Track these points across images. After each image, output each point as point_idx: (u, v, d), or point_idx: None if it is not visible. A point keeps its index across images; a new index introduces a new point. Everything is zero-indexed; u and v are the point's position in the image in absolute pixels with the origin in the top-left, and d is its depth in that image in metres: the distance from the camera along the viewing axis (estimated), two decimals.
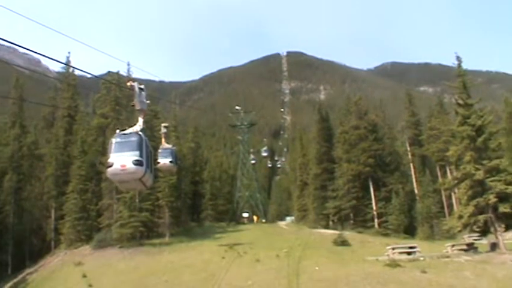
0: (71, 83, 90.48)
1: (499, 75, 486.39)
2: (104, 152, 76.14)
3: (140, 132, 20.25)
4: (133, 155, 19.01)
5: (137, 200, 67.77)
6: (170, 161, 30.96)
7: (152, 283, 44.78)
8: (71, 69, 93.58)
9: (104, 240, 66.18)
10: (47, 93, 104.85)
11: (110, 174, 19.23)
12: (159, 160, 31.76)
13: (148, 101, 22.24)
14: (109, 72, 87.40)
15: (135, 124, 20.96)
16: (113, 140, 19.71)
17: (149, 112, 78.85)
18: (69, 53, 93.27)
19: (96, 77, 26.79)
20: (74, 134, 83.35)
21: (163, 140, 32.60)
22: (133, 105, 21.72)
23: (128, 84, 21.90)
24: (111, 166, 18.80)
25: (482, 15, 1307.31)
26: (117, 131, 20.43)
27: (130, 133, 20.15)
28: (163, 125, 32.86)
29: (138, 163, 18.84)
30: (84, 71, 75.28)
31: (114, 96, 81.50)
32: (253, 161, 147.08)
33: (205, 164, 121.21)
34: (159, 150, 31.65)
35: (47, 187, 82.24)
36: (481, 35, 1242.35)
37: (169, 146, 32.26)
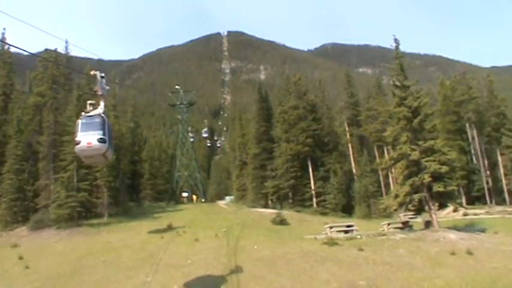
0: (6, 60, 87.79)
1: (436, 58, 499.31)
2: (41, 131, 74.72)
3: (103, 114, 24.69)
4: (98, 134, 23.77)
5: (75, 180, 66.63)
6: (100, 140, 30.47)
7: (90, 264, 44.15)
8: (6, 47, 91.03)
9: (41, 221, 64.73)
10: None
11: (77, 150, 24.11)
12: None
13: (108, 87, 26.92)
14: (46, 49, 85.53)
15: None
16: (79, 121, 24.36)
17: (88, 91, 77.91)
18: (4, 29, 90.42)
19: (33, 54, 27.08)
20: (10, 113, 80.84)
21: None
22: (95, 91, 26.02)
23: (92, 73, 26.27)
24: (78, 143, 23.65)
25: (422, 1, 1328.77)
26: (83, 113, 24.98)
27: (94, 115, 24.58)
28: (89, 102, 31.98)
29: (102, 141, 23.73)
30: (21, 48, 72.70)
31: (51, 74, 79.54)
32: (191, 139, 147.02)
33: (144, 143, 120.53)
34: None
35: None
36: (420, 19, 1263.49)
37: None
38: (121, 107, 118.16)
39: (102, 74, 26.21)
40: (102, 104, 25.62)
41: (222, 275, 34.42)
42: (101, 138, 23.85)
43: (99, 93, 25.92)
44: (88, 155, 24.71)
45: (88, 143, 23.65)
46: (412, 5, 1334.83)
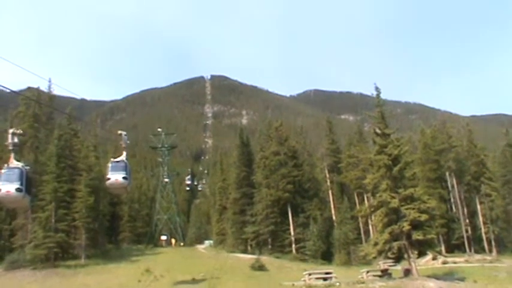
0: None
1: (417, 106, 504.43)
2: None
3: (125, 160, 37.13)
4: (122, 174, 36.16)
5: (53, 220, 66.00)
6: (17, 189, 28.34)
7: None
8: None
9: (17, 261, 63.74)
10: None
11: (108, 184, 36.91)
12: (0, 187, 29.42)
13: (128, 141, 39.53)
14: (29, 87, 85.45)
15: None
16: (109, 164, 37.01)
17: (69, 131, 77.57)
18: None
19: (15, 92, 28.27)
20: None
21: (11, 156, 29.64)
22: (121, 144, 38.87)
23: (118, 132, 39.05)
24: (109, 179, 36.30)
25: (403, 49, 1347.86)
26: (111, 159, 38.22)
27: (119, 160, 37.07)
28: (11, 131, 30.32)
29: (125, 179, 36.24)
30: (3, 86, 72.35)
31: (33, 113, 79.45)
32: (166, 179, 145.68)
33: None
34: (3, 171, 30.47)
35: None
36: (401, 67, 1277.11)
37: (19, 164, 29.34)
38: (102, 147, 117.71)
39: (125, 133, 38.98)
40: (124, 153, 37.64)
41: None
42: (124, 177, 36.07)
43: (123, 145, 38.17)
44: (116, 187, 37.75)
45: (116, 180, 36.02)
46: (394, 54, 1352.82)
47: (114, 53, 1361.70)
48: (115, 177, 35.93)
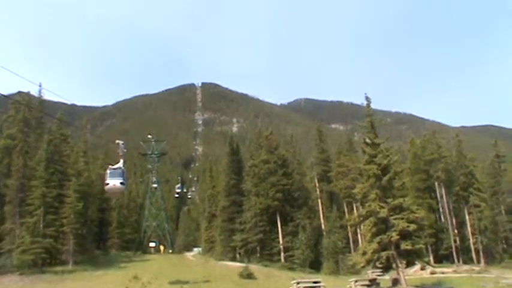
0: None
1: (407, 116, 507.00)
2: (9, 174, 73.85)
3: (122, 167, 40.75)
4: (120, 179, 39.80)
5: (41, 226, 65.73)
6: None
7: None
8: None
9: (4, 266, 63.49)
10: None
11: (107, 188, 40.89)
12: None
13: (125, 150, 43.69)
14: (19, 92, 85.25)
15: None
16: (108, 171, 40.65)
17: (59, 136, 77.38)
18: None
19: (5, 96, 28.71)
20: None
21: None
22: (118, 153, 42.32)
23: (116, 142, 43.05)
24: (108, 184, 39.80)
25: (394, 60, 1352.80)
26: (110, 166, 41.71)
27: (117, 167, 40.65)
28: None
29: (122, 184, 40.08)
30: None
31: (23, 117, 79.20)
32: (154, 185, 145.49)
33: None
34: None
35: None
36: (392, 77, 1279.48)
37: None
38: (92, 152, 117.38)
39: (122, 142, 43.07)
40: (121, 160, 41.33)
41: None
42: (121, 182, 39.82)
43: (120, 154, 41.84)
44: (114, 192, 42.10)
45: (114, 185, 39.64)
46: (384, 64, 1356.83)
47: (106, 58, 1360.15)
48: (113, 182, 39.65)
